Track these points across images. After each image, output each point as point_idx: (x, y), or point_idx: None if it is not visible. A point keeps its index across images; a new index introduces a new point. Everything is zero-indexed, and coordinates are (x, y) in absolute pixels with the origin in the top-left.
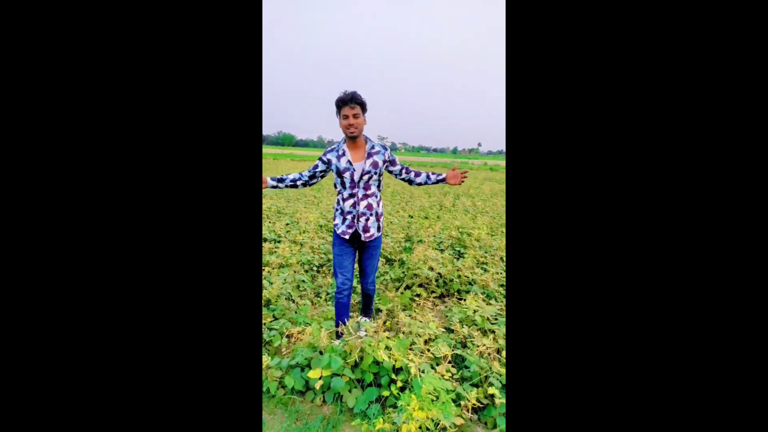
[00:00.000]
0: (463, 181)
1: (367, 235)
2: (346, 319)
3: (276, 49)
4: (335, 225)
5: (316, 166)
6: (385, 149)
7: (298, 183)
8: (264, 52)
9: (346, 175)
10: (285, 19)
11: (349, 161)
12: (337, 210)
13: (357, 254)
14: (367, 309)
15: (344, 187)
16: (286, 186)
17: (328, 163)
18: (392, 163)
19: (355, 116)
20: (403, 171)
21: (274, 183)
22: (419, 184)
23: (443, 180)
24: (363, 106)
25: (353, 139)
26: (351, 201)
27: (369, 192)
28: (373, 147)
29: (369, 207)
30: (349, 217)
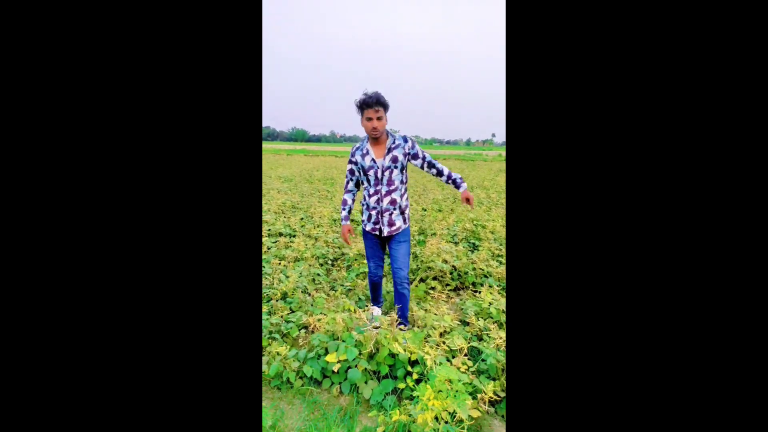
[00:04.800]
0: (467, 204)
1: (392, 228)
2: (380, 298)
3: (287, 47)
4: (362, 221)
5: (353, 172)
6: (406, 141)
7: (354, 200)
8: (276, 51)
9: (371, 173)
10: (295, 17)
11: (372, 159)
12: (363, 205)
13: (387, 245)
14: (402, 314)
15: (369, 184)
16: (352, 207)
17: (356, 163)
18: (414, 156)
19: (378, 118)
20: (425, 165)
21: (348, 218)
22: (440, 180)
23: (456, 188)
24: (386, 108)
25: (376, 139)
26: (376, 197)
27: (392, 187)
28: (393, 141)
29: (393, 202)
30: (374, 213)
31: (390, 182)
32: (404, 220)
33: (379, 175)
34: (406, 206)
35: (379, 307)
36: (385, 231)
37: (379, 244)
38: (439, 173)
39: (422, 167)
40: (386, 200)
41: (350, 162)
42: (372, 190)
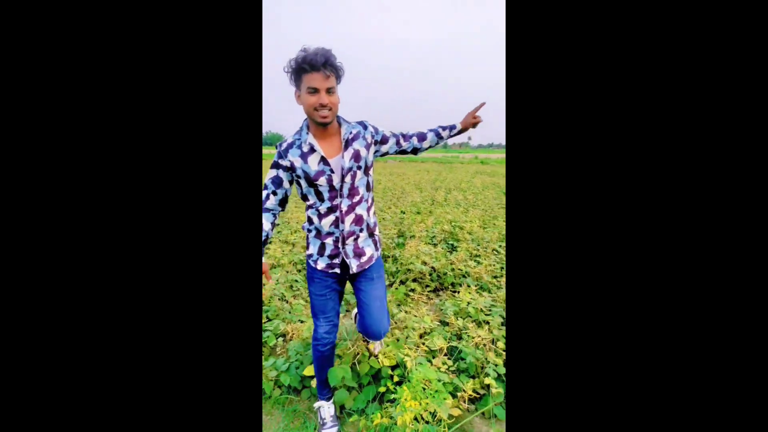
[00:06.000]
0: (477, 123)
1: (362, 260)
2: (329, 385)
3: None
4: (309, 256)
5: (278, 182)
6: (365, 127)
7: (275, 224)
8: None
9: (322, 181)
10: (265, 13)
11: (322, 159)
12: (310, 233)
13: (349, 288)
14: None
15: (320, 199)
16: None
17: (291, 168)
18: (382, 141)
19: (329, 91)
20: (401, 141)
21: (263, 252)
22: (430, 147)
23: (460, 131)
24: (339, 76)
25: (325, 125)
26: (331, 217)
27: (356, 199)
28: (350, 130)
29: (358, 221)
30: (330, 241)
31: (353, 191)
32: (375, 246)
33: (336, 182)
34: (375, 224)
35: (329, 401)
36: (353, 266)
37: (337, 290)
38: (422, 138)
39: (399, 149)
40: (349, 219)
41: (276, 166)
42: (325, 208)
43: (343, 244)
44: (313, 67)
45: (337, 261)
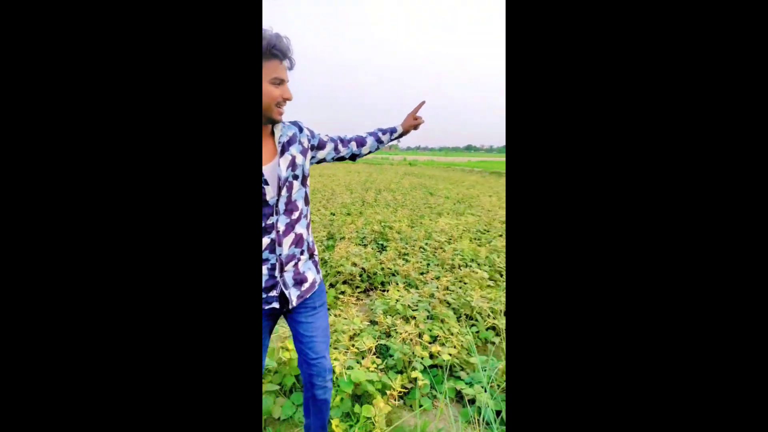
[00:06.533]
0: (418, 124)
1: (304, 288)
2: None
3: None
4: None
5: None
6: (300, 129)
7: None
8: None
9: None
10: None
11: None
12: None
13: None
14: None
15: None
16: None
17: None
18: (319, 146)
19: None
20: (339, 147)
21: None
22: (369, 153)
23: (401, 134)
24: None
25: (273, 122)
26: (265, 240)
27: (295, 216)
28: (286, 133)
29: (299, 241)
30: (264, 269)
31: (291, 206)
32: (317, 268)
33: (271, 196)
34: (313, 243)
35: None
36: (293, 297)
37: (269, 326)
38: (362, 144)
39: (338, 155)
40: (288, 241)
41: None
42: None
43: (281, 271)
44: (285, 55)
45: (274, 294)
